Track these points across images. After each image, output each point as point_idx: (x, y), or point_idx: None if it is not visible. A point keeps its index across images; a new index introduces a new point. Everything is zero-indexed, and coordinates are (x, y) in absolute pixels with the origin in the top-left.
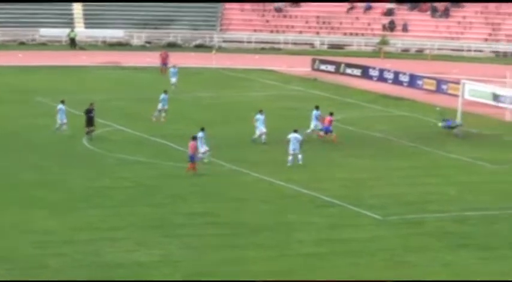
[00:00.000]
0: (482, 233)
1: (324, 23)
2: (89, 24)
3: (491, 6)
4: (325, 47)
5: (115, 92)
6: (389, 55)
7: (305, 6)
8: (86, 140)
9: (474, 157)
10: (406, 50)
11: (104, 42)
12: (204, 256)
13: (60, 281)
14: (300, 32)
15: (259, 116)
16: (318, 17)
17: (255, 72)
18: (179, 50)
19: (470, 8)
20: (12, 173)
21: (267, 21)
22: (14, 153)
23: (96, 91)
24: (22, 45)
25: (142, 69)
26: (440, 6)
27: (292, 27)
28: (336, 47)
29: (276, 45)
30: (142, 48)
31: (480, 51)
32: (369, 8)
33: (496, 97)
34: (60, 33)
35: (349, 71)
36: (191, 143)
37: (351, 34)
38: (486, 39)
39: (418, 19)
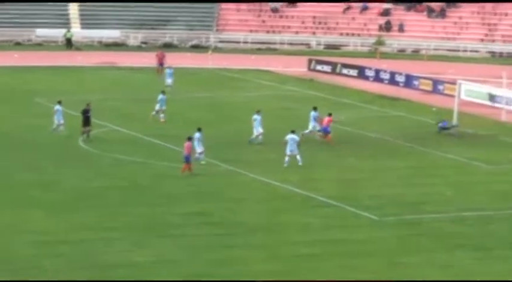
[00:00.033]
0: (479, 233)
1: (320, 23)
2: (85, 25)
3: (488, 6)
4: (321, 48)
5: (111, 92)
6: (385, 55)
7: (301, 6)
8: (81, 140)
9: (470, 157)
10: (402, 51)
11: (100, 42)
12: (199, 256)
13: (56, 281)
14: (296, 33)
15: (256, 116)
16: (314, 17)
17: (251, 72)
18: (175, 51)
19: (466, 9)
20: (8, 173)
21: (263, 21)
22: (10, 153)
23: (92, 91)
24: (18, 45)
25: (139, 69)
26: (436, 6)
27: (289, 27)
28: (332, 48)
29: (272, 46)
30: (138, 48)
31: (476, 51)
32: (365, 9)
33: (492, 97)
34: (57, 33)
35: (345, 71)
36: (186, 144)
37: (347, 34)
38: (482, 40)
39: (414, 19)
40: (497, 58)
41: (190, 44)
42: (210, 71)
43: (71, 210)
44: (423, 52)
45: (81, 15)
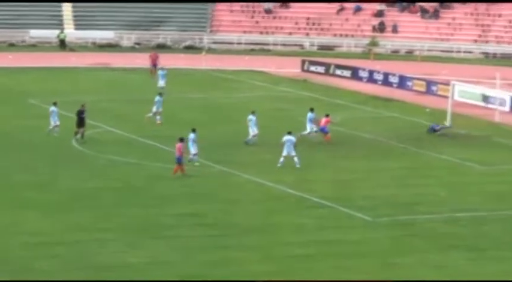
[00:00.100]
0: (472, 234)
1: (313, 24)
2: (78, 26)
3: (481, 7)
4: (314, 48)
5: (105, 93)
6: (379, 56)
7: (295, 7)
8: (74, 141)
9: (463, 158)
10: (395, 51)
11: (94, 43)
12: (193, 257)
13: (51, 281)
14: (290, 33)
15: (251, 117)
16: (307, 18)
17: (245, 73)
18: (169, 52)
19: (460, 9)
20: (3, 174)
21: (257, 22)
22: (5, 154)
23: (86, 92)
24: (12, 46)
25: (132, 70)
26: (430, 7)
27: (282, 28)
28: (325, 48)
29: (265, 47)
30: (132, 49)
31: (470, 52)
32: (358, 9)
33: (485, 98)
34: (50, 34)
35: (338, 72)
36: (178, 145)
37: (341, 35)
38: (476, 41)
39: (408, 20)
40: (491, 59)
41: (183, 45)
42: (204, 72)
43: (66, 211)
44: (417, 53)
45: (74, 16)
